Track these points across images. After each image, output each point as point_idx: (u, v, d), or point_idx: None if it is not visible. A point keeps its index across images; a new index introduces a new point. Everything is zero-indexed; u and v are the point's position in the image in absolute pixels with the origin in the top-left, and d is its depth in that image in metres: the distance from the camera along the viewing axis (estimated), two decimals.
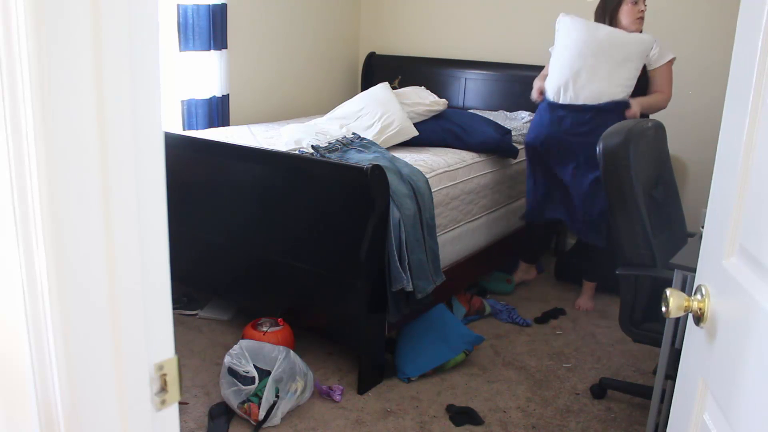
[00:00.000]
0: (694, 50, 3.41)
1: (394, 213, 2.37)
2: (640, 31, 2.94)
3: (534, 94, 3.18)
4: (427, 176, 2.67)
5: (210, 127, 3.52)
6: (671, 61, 2.95)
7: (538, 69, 3.33)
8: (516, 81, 3.95)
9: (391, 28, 4.57)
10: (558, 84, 2.99)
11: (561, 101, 2.98)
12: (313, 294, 2.56)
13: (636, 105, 2.89)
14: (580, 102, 2.93)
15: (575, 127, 2.95)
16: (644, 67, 2.93)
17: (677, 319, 1.90)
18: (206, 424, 2.22)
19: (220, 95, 3.55)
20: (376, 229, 2.30)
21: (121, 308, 0.65)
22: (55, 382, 0.63)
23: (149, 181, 0.66)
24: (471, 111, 3.79)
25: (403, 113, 3.21)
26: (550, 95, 3.03)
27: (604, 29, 2.92)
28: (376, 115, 3.19)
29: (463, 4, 4.22)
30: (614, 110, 2.87)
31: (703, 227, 1.12)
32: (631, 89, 2.91)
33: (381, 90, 3.39)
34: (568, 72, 2.95)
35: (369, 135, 3.05)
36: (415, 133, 3.21)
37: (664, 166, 2.34)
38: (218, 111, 3.56)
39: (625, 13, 2.89)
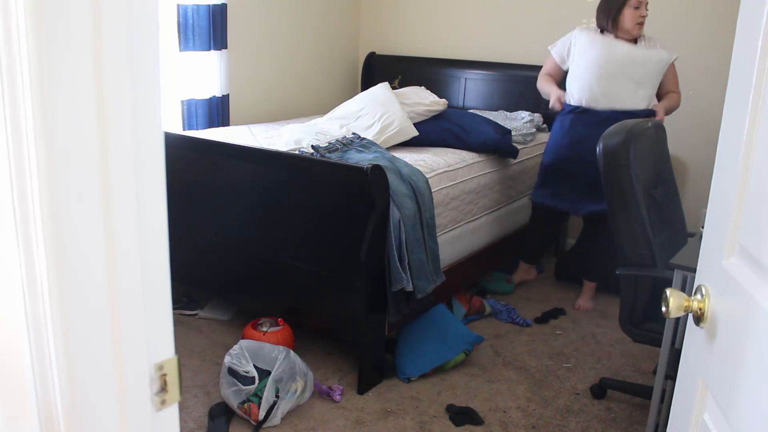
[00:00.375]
0: (694, 50, 3.41)
1: (394, 213, 2.37)
2: (640, 35, 2.96)
3: (555, 104, 3.12)
4: (427, 176, 2.67)
5: (210, 127, 3.52)
6: (674, 61, 2.99)
7: (539, 69, 3.33)
8: (516, 81, 3.95)
9: (391, 28, 4.57)
10: (580, 100, 3.02)
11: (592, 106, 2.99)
12: (313, 294, 2.56)
13: (662, 110, 2.94)
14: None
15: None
16: None
17: (677, 319, 1.90)
18: (206, 424, 2.22)
19: (220, 95, 3.55)
20: (376, 229, 2.30)
21: (121, 308, 0.65)
22: (55, 382, 0.63)
23: (149, 181, 0.66)
24: (471, 111, 3.79)
25: (403, 113, 3.21)
26: (576, 103, 3.04)
27: (623, 48, 2.92)
28: (376, 115, 3.19)
29: (463, 4, 4.22)
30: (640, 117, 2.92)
31: (703, 227, 1.12)
32: (651, 104, 2.97)
33: (381, 90, 3.39)
34: (588, 94, 2.98)
35: (369, 135, 3.05)
36: (415, 133, 3.20)
37: (664, 166, 2.34)
38: (218, 111, 3.56)
39: (627, 17, 2.92)
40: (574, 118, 3.04)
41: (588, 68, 2.98)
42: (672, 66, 2.99)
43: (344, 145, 2.77)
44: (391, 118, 3.17)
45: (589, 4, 3.33)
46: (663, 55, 2.94)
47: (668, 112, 2.99)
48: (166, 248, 0.69)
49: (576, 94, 3.04)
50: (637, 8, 2.90)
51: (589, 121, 2.98)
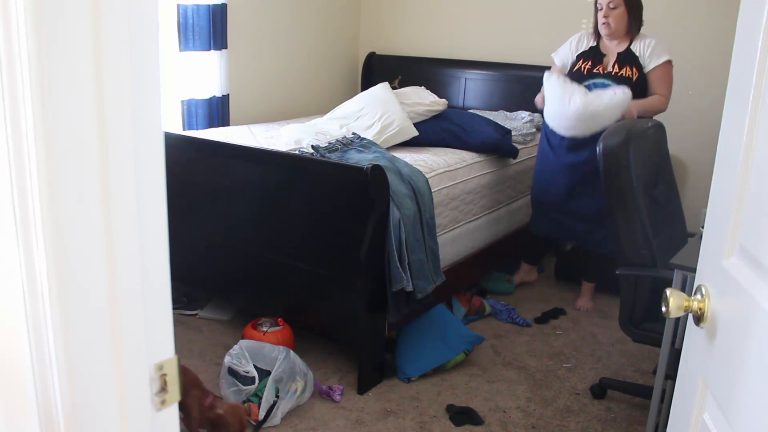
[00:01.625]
0: (694, 51, 3.41)
1: (394, 213, 2.37)
2: (608, 36, 2.94)
3: (537, 99, 3.15)
4: (427, 176, 2.68)
5: (210, 127, 3.52)
6: (668, 63, 2.89)
7: (538, 69, 3.32)
8: (516, 81, 3.95)
9: (391, 28, 4.58)
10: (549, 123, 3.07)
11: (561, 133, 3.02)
12: (313, 294, 2.56)
13: (632, 107, 2.83)
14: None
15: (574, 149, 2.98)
16: (642, 68, 2.92)
17: (677, 319, 1.90)
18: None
19: (220, 95, 3.55)
20: (376, 229, 2.30)
21: (121, 308, 0.65)
22: (55, 382, 0.63)
23: (149, 181, 0.66)
24: (471, 111, 3.79)
25: (403, 113, 3.21)
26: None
27: (574, 103, 2.85)
28: (376, 115, 3.19)
29: (463, 4, 4.22)
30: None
31: (703, 227, 1.12)
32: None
33: (381, 90, 3.39)
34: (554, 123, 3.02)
35: (369, 135, 3.05)
36: (415, 133, 3.21)
37: (664, 166, 2.34)
38: (218, 111, 3.56)
39: (597, 19, 2.96)
40: (548, 144, 3.10)
41: (550, 114, 3.02)
42: (661, 68, 2.88)
43: (344, 145, 2.77)
44: (391, 118, 3.17)
45: (589, 5, 3.32)
46: (617, 98, 2.79)
47: (642, 112, 2.87)
48: (166, 248, 0.69)
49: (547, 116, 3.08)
50: (600, 10, 2.92)
51: (559, 148, 3.03)
